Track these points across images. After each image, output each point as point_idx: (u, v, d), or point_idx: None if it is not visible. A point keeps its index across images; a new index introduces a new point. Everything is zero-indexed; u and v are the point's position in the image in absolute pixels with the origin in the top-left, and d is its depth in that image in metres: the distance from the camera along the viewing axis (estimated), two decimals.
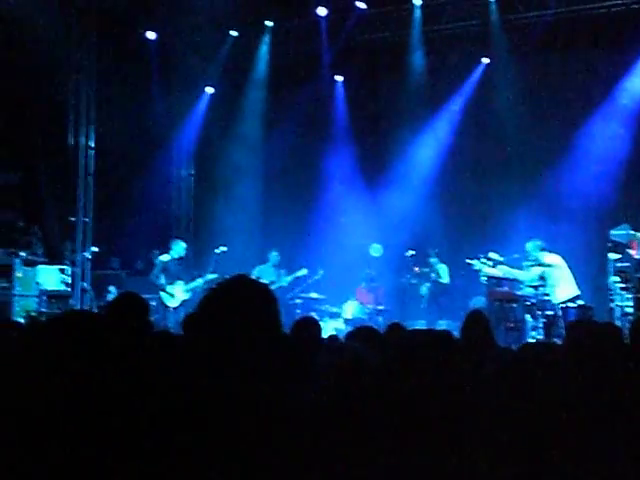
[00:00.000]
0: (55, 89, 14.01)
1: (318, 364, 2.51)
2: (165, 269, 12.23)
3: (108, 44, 14.11)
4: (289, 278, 13.21)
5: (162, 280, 12.18)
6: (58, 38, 13.60)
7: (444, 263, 13.20)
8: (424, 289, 13.08)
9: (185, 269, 12.68)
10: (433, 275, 13.02)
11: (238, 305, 2.09)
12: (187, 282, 12.29)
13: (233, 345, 2.02)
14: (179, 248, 12.43)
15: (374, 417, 2.12)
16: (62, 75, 14.22)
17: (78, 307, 13.80)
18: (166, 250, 12.48)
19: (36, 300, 12.70)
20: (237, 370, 2.01)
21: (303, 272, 13.13)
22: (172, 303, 12.12)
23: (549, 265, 11.04)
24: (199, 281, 12.29)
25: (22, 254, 12.96)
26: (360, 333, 4.51)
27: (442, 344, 2.09)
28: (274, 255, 13.37)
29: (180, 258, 12.45)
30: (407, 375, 2.01)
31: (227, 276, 2.26)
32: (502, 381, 2.48)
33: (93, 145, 14.74)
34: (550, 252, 11.26)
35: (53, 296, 13.03)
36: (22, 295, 12.67)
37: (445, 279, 13.12)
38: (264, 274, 12.97)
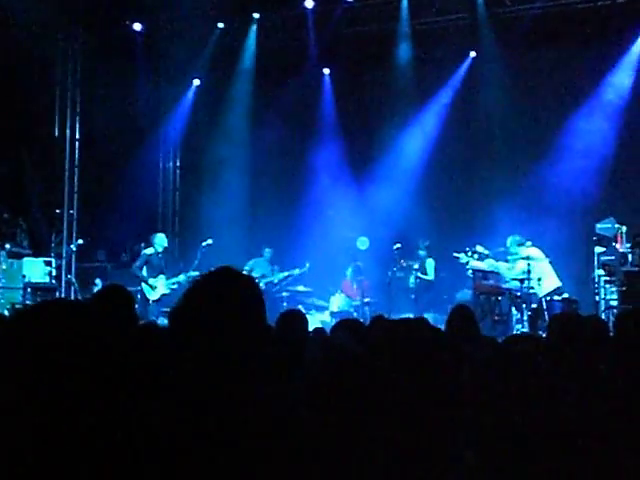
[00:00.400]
0: (41, 81, 13.92)
1: (305, 357, 2.51)
2: (148, 262, 12.20)
3: (94, 35, 14.04)
4: (281, 275, 13.31)
5: (144, 272, 12.16)
6: (44, 29, 13.51)
7: (432, 257, 13.21)
8: (412, 280, 13.11)
9: (168, 263, 12.63)
10: (415, 271, 13.03)
11: (222, 296, 2.09)
12: (169, 277, 12.28)
13: (217, 337, 2.02)
14: (161, 240, 12.35)
15: (361, 410, 2.12)
16: (48, 66, 14.14)
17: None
18: (150, 244, 12.42)
19: (21, 292, 12.65)
20: (222, 363, 2.01)
21: (296, 271, 13.25)
22: (152, 296, 12.09)
23: (529, 258, 11.09)
24: (181, 277, 12.28)
25: (7, 246, 12.90)
26: (345, 325, 4.52)
27: (422, 334, 2.09)
28: (268, 251, 13.56)
29: (165, 250, 12.41)
30: (391, 367, 2.02)
31: (212, 269, 2.25)
32: (486, 371, 2.49)
33: (79, 137, 14.68)
34: (529, 246, 11.32)
35: (38, 289, 12.98)
36: (7, 287, 12.61)
37: (430, 276, 13.13)
38: (258, 267, 13.08)
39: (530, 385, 2.46)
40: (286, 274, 13.38)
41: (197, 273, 12.14)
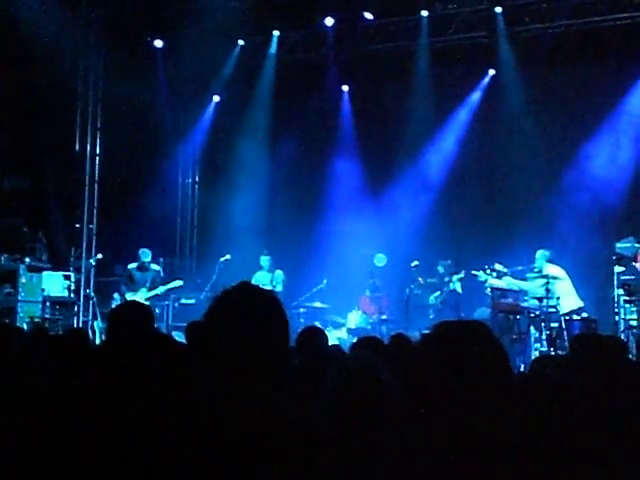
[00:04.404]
0: (62, 96, 14.06)
1: (325, 377, 2.49)
2: (130, 276, 12.39)
3: (115, 52, 14.17)
4: (279, 287, 13.06)
5: (123, 288, 12.37)
6: (66, 46, 13.66)
7: (456, 274, 12.99)
8: (432, 299, 12.92)
9: (157, 277, 12.65)
10: (452, 285, 12.76)
11: (243, 315, 2.08)
12: (149, 290, 12.36)
13: (238, 354, 2.02)
14: (142, 255, 12.58)
15: (382, 434, 2.10)
16: (70, 82, 14.28)
17: (82, 314, 13.82)
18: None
19: (40, 306, 12.73)
20: (242, 376, 2.00)
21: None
22: None
23: (552, 277, 11.01)
24: (160, 289, 12.37)
25: (27, 260, 13.00)
26: (364, 343, 4.49)
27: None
28: (264, 260, 13.31)
29: (142, 266, 12.51)
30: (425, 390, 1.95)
31: (229, 285, 2.24)
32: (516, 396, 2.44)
33: (99, 152, 14.79)
34: (553, 264, 11.25)
35: (57, 302, 13.06)
36: (26, 301, 12.70)
37: (459, 289, 12.92)
38: (258, 281, 12.96)
39: (552, 407, 2.43)
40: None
41: (180, 283, 12.25)
